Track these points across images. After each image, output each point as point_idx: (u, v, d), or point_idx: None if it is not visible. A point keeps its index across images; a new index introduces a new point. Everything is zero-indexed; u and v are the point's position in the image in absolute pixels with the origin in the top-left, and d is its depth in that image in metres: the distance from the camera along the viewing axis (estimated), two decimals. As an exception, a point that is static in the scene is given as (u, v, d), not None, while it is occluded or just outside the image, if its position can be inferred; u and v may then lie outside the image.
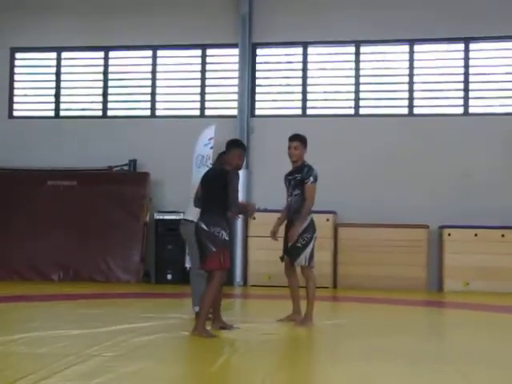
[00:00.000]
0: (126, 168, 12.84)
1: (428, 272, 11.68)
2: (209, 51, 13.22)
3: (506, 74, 12.45)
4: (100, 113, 13.50)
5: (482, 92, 12.51)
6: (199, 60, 13.25)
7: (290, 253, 6.70)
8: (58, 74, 13.62)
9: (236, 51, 12.77)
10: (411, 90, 12.60)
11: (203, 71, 13.23)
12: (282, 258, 6.92)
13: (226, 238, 5.86)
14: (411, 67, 12.60)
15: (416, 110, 12.60)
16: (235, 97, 12.79)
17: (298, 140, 6.97)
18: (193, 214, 6.85)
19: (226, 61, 13.23)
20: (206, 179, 6.16)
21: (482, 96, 12.52)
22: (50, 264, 12.09)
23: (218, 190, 5.94)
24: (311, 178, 6.75)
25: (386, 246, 11.63)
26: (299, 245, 6.61)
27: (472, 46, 12.45)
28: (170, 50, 13.39)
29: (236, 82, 12.80)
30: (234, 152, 6.12)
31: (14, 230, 12.23)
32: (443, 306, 9.79)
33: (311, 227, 6.72)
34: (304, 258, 6.63)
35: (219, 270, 5.82)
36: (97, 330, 6.02)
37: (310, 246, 6.66)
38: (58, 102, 13.60)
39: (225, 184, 5.89)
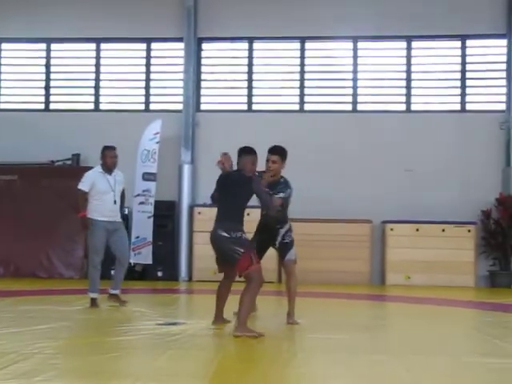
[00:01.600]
0: (68, 162, 12.62)
1: (371, 266, 11.88)
2: (154, 45, 13.11)
3: (447, 72, 12.73)
4: (42, 106, 13.24)
5: (424, 89, 12.78)
6: (144, 53, 13.13)
7: (282, 249, 6.74)
8: (-3, 65, 13.31)
9: (181, 45, 12.70)
10: (355, 87, 12.77)
11: (148, 65, 13.12)
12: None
13: (249, 239, 5.98)
14: (355, 64, 12.75)
15: (360, 107, 12.77)
16: (180, 91, 12.72)
17: (278, 154, 6.70)
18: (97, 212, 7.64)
19: (171, 55, 13.14)
20: (227, 183, 6.11)
21: (423, 93, 12.78)
22: (-11, 260, 11.81)
23: (239, 194, 6.00)
24: (281, 194, 6.57)
25: (331, 240, 11.76)
26: (287, 241, 6.73)
27: (414, 43, 12.71)
28: (115, 43, 13.23)
29: (181, 76, 12.73)
30: (246, 158, 6.08)
31: (-48, 225, 11.90)
32: (385, 299, 9.96)
33: (291, 229, 6.85)
34: (294, 253, 6.73)
35: (253, 267, 5.79)
36: (38, 327, 5.92)
37: (294, 244, 6.78)
38: (-2, 95, 13.30)
39: (247, 190, 5.96)
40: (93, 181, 7.73)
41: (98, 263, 7.77)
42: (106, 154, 7.80)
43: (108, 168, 7.78)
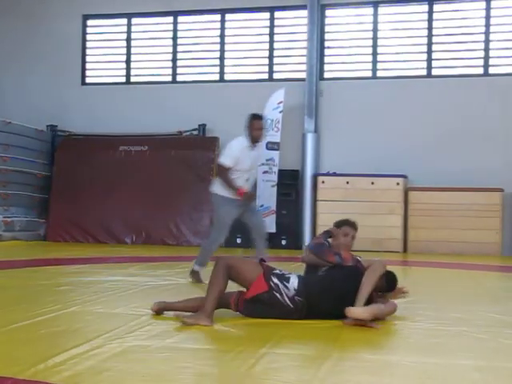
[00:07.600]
0: (195, 133, 12.94)
1: (503, 237, 11.41)
2: (277, 13, 13.09)
3: None
4: (170, 78, 13.61)
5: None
6: (267, 23, 13.14)
7: None
8: (128, 40, 13.79)
9: (305, 13, 12.60)
10: (487, 49, 12.16)
11: (271, 34, 13.13)
12: None
13: None
14: (487, 25, 12.14)
15: (491, 70, 12.17)
16: (304, 60, 12.65)
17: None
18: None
19: (294, 23, 13.07)
20: None
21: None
22: (122, 227, 12.40)
23: None
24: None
25: (459, 210, 11.39)
26: None
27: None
28: (239, 14, 13.32)
29: (305, 44, 12.64)
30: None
31: (89, 194, 12.56)
32: (518, 271, 9.54)
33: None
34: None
35: None
36: (168, 292, 6.13)
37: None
38: (128, 68, 13.78)
39: None
40: (238, 156, 6.62)
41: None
42: (253, 125, 6.69)
43: (254, 141, 6.71)
